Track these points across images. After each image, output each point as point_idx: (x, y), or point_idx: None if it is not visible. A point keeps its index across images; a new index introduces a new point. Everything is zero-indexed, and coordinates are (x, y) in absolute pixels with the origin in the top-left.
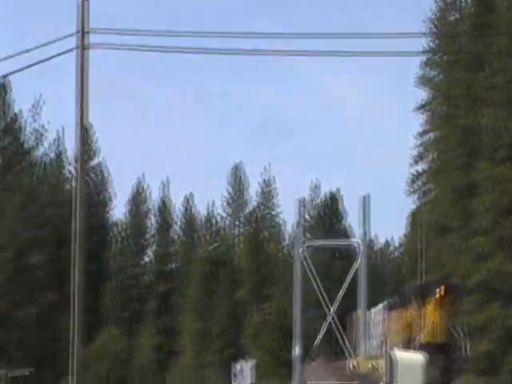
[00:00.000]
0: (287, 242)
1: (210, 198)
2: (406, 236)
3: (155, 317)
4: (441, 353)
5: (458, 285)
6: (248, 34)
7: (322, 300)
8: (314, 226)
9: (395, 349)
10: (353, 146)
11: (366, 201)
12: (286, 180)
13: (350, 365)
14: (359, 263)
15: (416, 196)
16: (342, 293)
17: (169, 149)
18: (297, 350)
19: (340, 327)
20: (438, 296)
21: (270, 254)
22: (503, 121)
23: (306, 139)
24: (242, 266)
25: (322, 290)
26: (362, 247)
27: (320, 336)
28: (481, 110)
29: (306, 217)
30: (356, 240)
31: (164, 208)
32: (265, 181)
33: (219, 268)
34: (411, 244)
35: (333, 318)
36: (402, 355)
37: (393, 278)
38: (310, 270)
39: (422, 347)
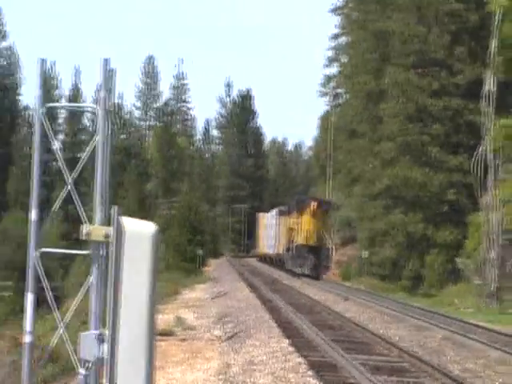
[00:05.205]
0: (198, 136)
1: (120, 88)
2: (317, 138)
3: (63, 204)
4: (312, 253)
5: (328, 200)
6: None
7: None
8: (226, 124)
9: (123, 217)
10: (267, 45)
11: (106, 66)
12: (198, 76)
13: (84, 231)
14: (98, 131)
15: (328, 98)
16: (82, 162)
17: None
18: (34, 215)
19: (76, 196)
20: (312, 208)
21: (180, 148)
22: (412, 27)
23: (217, 38)
24: (151, 158)
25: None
26: (100, 112)
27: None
28: (392, 15)
29: (220, 114)
30: (92, 105)
31: (75, 95)
32: (177, 75)
33: (129, 159)
34: (321, 147)
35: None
36: (129, 222)
37: (305, 178)
38: (49, 132)
39: (298, 247)
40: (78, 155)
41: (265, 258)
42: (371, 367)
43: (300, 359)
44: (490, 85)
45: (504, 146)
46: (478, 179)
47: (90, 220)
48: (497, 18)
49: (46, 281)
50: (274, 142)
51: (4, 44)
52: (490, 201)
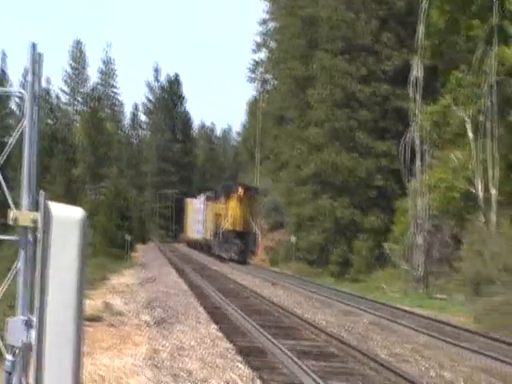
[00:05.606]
0: (126, 122)
1: (47, 73)
2: (245, 124)
3: None
4: (238, 238)
5: (255, 186)
6: None
7: None
8: (154, 109)
9: (50, 202)
10: (193, 31)
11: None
12: (126, 61)
13: (11, 216)
14: (25, 115)
15: (256, 84)
16: (9, 146)
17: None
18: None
19: (3, 181)
20: (238, 193)
21: (108, 133)
22: (340, 12)
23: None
24: (79, 143)
25: None
26: (27, 96)
27: None
28: (320, 1)
29: (148, 99)
30: (20, 90)
31: (1, 80)
32: (105, 60)
33: (57, 144)
34: (249, 132)
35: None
36: (57, 208)
37: (233, 164)
38: None
39: (225, 232)
40: (5, 140)
41: (193, 244)
42: (299, 352)
43: (228, 345)
44: (417, 71)
45: (431, 131)
46: (405, 165)
47: (18, 205)
48: (424, 4)
49: None
50: (202, 127)
51: None
52: (417, 186)
